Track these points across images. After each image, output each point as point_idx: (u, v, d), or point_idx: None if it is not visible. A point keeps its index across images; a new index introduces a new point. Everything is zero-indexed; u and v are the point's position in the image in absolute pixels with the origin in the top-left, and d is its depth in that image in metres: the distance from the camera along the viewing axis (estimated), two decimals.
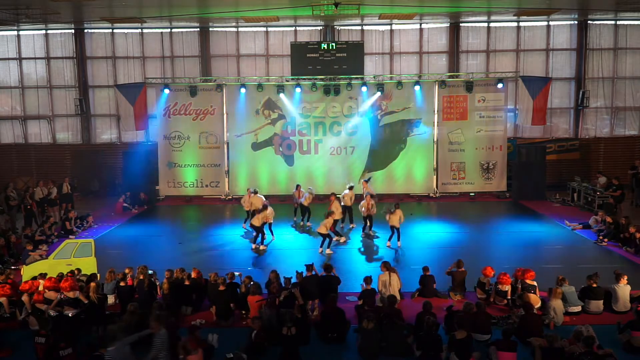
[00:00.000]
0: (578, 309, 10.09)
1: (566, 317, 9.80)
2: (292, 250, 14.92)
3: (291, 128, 21.17)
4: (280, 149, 21.26)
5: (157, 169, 21.43)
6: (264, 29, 22.85)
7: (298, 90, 20.45)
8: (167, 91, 20.77)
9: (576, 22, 22.52)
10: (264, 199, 16.38)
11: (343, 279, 11.09)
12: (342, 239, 15.30)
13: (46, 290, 10.31)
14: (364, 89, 20.55)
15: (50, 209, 18.38)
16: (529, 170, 20.56)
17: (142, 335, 8.24)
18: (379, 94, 20.50)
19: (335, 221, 15.14)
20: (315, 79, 20.58)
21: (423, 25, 22.75)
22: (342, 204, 16.26)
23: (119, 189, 21.35)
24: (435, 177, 21.38)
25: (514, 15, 21.60)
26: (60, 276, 10.68)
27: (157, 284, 10.98)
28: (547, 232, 16.46)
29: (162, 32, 23.10)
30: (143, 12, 20.65)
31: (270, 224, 15.55)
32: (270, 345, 8.75)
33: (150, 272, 11.10)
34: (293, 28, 22.80)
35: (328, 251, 14.24)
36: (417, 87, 20.59)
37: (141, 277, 10.65)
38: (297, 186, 17.59)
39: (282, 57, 22.66)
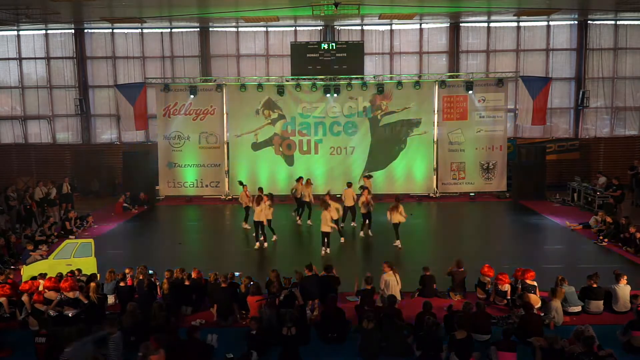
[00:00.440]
0: (578, 309, 10.07)
1: (566, 317, 9.78)
2: (292, 250, 14.90)
3: (291, 128, 21.19)
4: (281, 149, 21.26)
5: (157, 169, 21.44)
6: (264, 29, 22.87)
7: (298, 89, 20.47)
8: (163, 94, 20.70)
9: (576, 22, 22.53)
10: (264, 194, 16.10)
11: (343, 279, 11.09)
12: (342, 239, 15.26)
13: (46, 291, 10.28)
14: (364, 88, 20.54)
15: (50, 209, 18.37)
16: (529, 170, 20.56)
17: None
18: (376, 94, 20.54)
19: (336, 221, 15.04)
20: (315, 79, 20.58)
21: (423, 25, 22.76)
22: (344, 203, 16.11)
23: (119, 189, 21.35)
24: (435, 177, 21.37)
25: (514, 15, 21.61)
26: (60, 276, 10.65)
27: (157, 284, 10.98)
28: (547, 232, 16.45)
29: (162, 32, 23.12)
30: (143, 12, 20.68)
31: (270, 221, 15.25)
32: (270, 345, 8.74)
33: (150, 272, 11.10)
34: (293, 28, 22.81)
35: (328, 251, 14.22)
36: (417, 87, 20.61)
37: (141, 277, 10.66)
38: (299, 179, 17.48)
39: (282, 57, 22.68)
